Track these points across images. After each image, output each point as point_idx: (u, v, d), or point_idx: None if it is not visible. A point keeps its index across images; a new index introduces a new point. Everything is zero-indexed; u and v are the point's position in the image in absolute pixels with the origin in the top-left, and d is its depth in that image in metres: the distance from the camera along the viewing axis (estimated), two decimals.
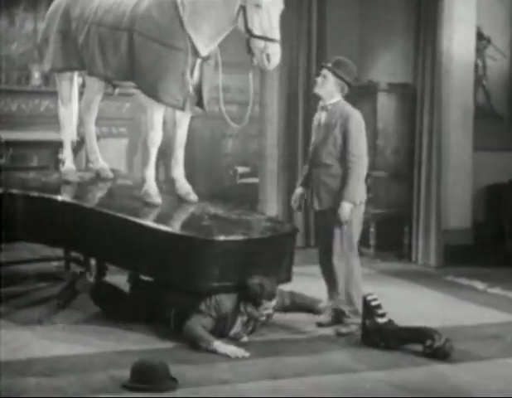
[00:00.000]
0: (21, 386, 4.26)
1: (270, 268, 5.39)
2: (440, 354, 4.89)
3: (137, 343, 5.07)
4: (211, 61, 5.62)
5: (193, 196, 5.88)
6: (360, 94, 8.58)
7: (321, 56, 8.98)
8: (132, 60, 5.58)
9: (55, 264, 7.17)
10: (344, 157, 5.39)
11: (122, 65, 5.67)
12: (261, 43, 5.15)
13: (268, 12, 5.16)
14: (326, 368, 4.71)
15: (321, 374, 4.60)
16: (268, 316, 5.25)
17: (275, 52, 5.17)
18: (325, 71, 5.50)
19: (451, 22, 7.84)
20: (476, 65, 8.34)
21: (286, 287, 5.51)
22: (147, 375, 4.29)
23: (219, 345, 4.89)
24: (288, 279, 5.59)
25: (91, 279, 6.28)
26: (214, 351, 4.85)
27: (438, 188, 7.90)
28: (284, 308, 5.39)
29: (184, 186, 5.90)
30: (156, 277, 5.50)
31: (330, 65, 5.51)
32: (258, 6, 5.13)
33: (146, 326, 5.32)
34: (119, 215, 5.45)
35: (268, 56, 5.14)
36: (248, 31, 5.17)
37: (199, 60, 5.52)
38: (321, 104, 5.59)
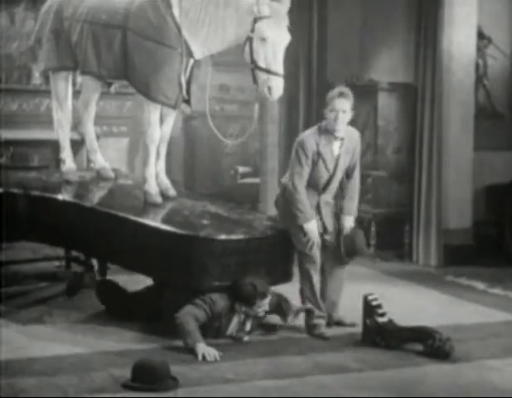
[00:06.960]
0: (21, 386, 4.26)
1: (271, 267, 5.40)
2: (440, 354, 4.90)
3: (137, 343, 5.08)
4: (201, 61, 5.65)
5: (172, 192, 5.92)
6: (361, 93, 8.59)
7: (322, 54, 8.98)
8: (125, 58, 5.58)
9: (55, 263, 7.18)
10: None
11: (115, 63, 5.67)
12: (264, 75, 5.25)
13: (273, 46, 5.26)
14: (326, 368, 4.71)
15: (321, 374, 4.60)
16: (266, 312, 5.23)
17: (277, 85, 5.28)
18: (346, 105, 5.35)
19: (452, 22, 7.84)
20: (477, 65, 8.33)
21: (286, 287, 5.53)
22: (147, 374, 4.29)
23: (202, 347, 4.82)
24: (289, 278, 5.60)
25: (97, 277, 6.33)
26: (193, 351, 4.81)
27: (439, 188, 7.89)
28: (271, 308, 5.34)
29: (163, 181, 5.93)
30: (157, 276, 5.50)
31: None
32: (263, 39, 5.22)
33: (147, 325, 5.32)
34: (120, 214, 5.46)
35: (269, 89, 5.26)
36: (253, 62, 5.28)
37: (192, 60, 5.54)
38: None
